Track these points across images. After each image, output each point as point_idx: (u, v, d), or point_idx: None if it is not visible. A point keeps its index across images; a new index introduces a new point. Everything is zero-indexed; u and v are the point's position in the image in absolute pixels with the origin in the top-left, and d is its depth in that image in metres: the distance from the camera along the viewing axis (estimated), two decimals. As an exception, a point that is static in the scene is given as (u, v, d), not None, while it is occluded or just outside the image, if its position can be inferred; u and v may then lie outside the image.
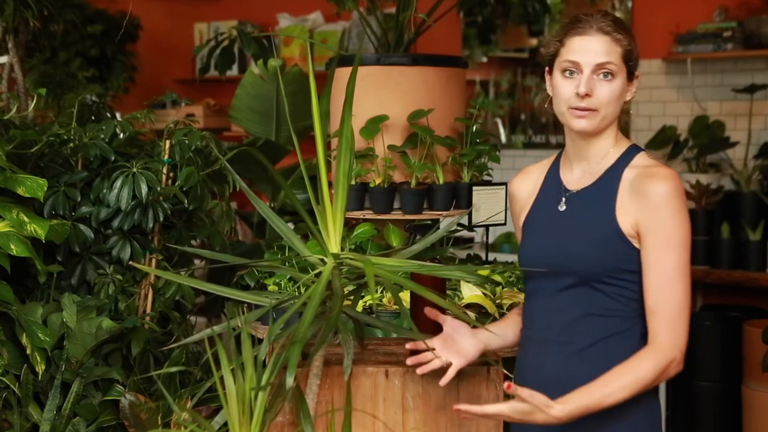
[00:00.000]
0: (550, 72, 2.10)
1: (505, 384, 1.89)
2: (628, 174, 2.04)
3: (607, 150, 2.09)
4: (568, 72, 2.04)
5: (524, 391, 1.88)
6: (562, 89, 2.05)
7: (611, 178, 2.06)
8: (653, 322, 1.97)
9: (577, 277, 2.04)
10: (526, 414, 1.89)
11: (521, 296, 2.85)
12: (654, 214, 1.97)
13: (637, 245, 2.01)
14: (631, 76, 2.07)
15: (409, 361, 2.01)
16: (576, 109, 2.03)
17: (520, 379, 2.14)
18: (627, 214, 2.01)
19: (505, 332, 2.20)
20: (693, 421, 4.77)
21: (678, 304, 1.96)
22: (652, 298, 1.97)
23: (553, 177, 2.17)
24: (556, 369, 2.05)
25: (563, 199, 2.12)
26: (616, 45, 2.03)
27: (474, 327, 2.10)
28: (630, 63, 2.05)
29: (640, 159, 2.07)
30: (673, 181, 1.98)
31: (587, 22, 2.04)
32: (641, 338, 2.02)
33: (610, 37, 2.02)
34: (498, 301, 2.84)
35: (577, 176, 2.12)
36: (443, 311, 2.10)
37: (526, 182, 2.23)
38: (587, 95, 2.02)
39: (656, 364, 1.94)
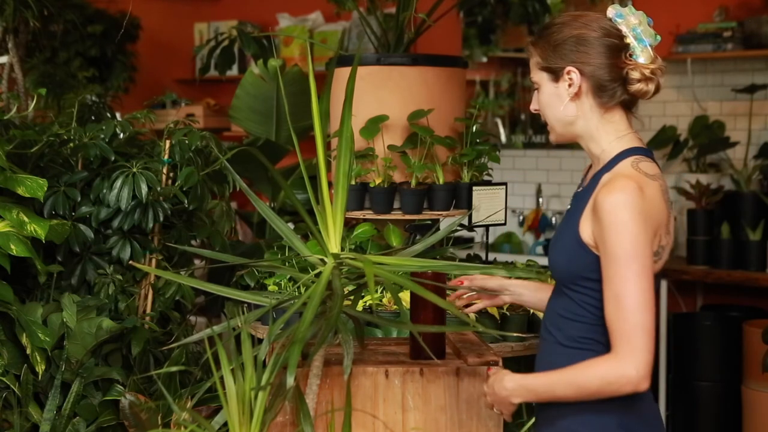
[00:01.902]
0: None
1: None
2: (603, 180, 1.98)
3: (597, 152, 2.04)
4: None
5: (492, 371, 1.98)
6: None
7: (594, 182, 2.01)
8: (610, 336, 1.90)
9: (555, 280, 2.06)
10: (491, 390, 1.99)
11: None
12: (600, 226, 1.89)
13: (597, 253, 1.93)
14: (555, 76, 2.01)
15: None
16: None
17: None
18: (587, 223, 1.95)
19: (536, 292, 2.28)
20: (693, 421, 4.77)
21: (630, 320, 1.85)
22: (606, 312, 1.90)
23: (585, 175, 2.16)
24: (546, 362, 2.07)
25: (572, 199, 2.12)
26: (532, 57, 2.05)
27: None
28: (545, 67, 2.01)
29: (621, 165, 1.98)
30: (621, 194, 1.87)
31: None
32: (606, 348, 1.95)
33: (529, 52, 2.06)
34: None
35: (588, 177, 2.12)
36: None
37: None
38: (536, 110, 2.09)
39: (604, 375, 1.87)
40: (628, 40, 2.00)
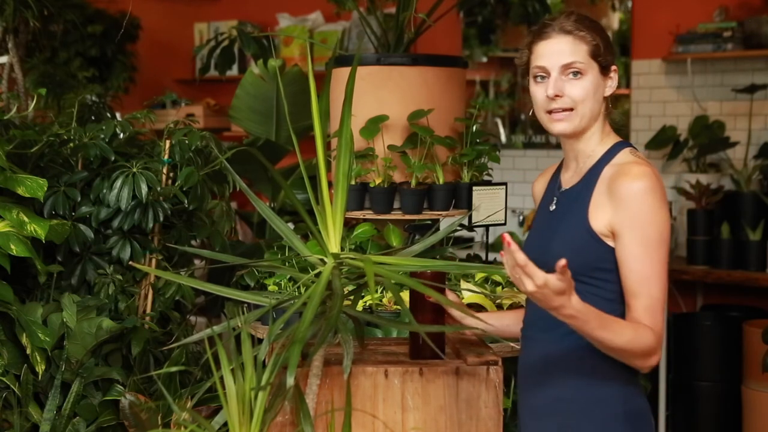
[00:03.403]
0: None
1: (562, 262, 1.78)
2: (606, 172, 2.03)
3: (593, 148, 2.09)
4: (539, 77, 2.07)
5: (562, 261, 1.77)
6: (536, 95, 2.08)
7: (592, 176, 2.06)
8: (635, 308, 1.95)
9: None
10: (556, 292, 1.79)
11: (521, 296, 2.85)
12: (627, 212, 1.95)
13: (609, 242, 1.99)
14: (605, 70, 2.06)
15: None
16: (552, 112, 2.06)
17: (517, 374, 2.20)
18: (600, 213, 2.00)
19: (502, 319, 2.27)
20: (693, 421, 4.77)
21: (656, 299, 1.94)
22: (631, 290, 1.96)
23: (556, 176, 2.20)
24: (540, 361, 2.10)
25: (554, 198, 2.14)
26: (581, 42, 2.03)
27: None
28: (599, 58, 2.04)
29: (622, 156, 2.05)
30: (645, 179, 1.95)
31: (550, 26, 2.06)
32: None
33: (573, 36, 2.03)
34: (498, 301, 2.84)
35: (569, 175, 2.14)
36: (443, 312, 2.12)
37: (541, 181, 2.27)
38: (557, 96, 2.03)
39: (651, 342, 1.92)
40: None
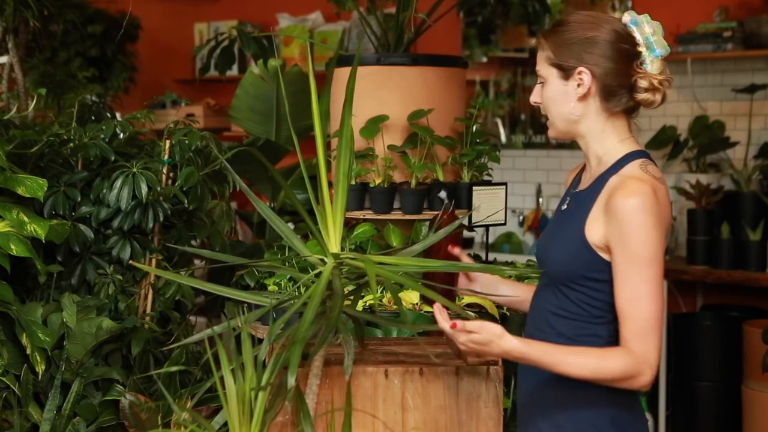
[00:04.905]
0: None
1: (451, 323, 1.93)
2: (612, 182, 1.99)
3: (599, 153, 2.05)
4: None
5: (474, 324, 1.91)
6: None
7: (599, 183, 2.02)
8: (623, 331, 1.93)
9: (548, 277, 2.07)
10: (482, 344, 1.92)
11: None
12: (618, 229, 1.91)
13: (604, 255, 1.96)
14: (566, 74, 2.00)
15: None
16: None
17: (517, 371, 2.21)
18: (596, 225, 1.97)
19: (515, 290, 2.32)
20: (693, 421, 4.77)
21: (646, 319, 1.90)
22: (621, 311, 1.93)
23: (578, 175, 2.17)
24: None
25: (568, 198, 2.13)
26: (542, 50, 2.05)
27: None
28: (555, 63, 2.01)
29: (630, 168, 1.99)
30: (639, 197, 1.90)
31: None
32: (607, 343, 2.00)
33: (540, 45, 2.06)
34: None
35: (586, 177, 2.12)
36: (455, 274, 2.18)
37: (572, 175, 2.24)
38: (537, 103, 2.10)
39: (625, 367, 1.90)
40: (640, 48, 2.01)
